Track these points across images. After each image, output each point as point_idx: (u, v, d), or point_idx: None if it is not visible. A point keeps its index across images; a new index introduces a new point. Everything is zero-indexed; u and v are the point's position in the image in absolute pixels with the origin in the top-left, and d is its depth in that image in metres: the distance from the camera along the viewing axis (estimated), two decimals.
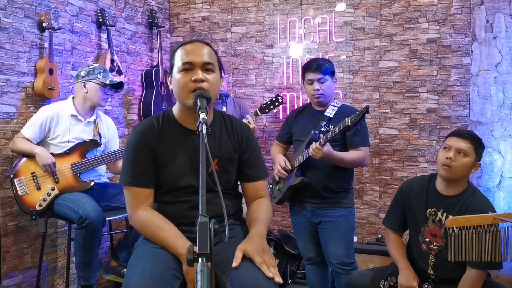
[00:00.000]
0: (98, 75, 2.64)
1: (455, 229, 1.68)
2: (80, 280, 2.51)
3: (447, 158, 1.91)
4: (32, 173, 2.51)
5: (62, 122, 2.61)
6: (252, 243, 1.48)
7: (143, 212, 1.57)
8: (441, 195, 2.01)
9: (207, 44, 1.62)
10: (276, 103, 3.00)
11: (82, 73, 2.65)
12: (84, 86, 2.63)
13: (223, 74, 3.11)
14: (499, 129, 3.03)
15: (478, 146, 1.95)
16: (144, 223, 1.56)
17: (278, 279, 1.39)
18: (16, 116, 2.72)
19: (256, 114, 2.99)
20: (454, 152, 1.92)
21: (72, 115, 2.64)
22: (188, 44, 1.59)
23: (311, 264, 2.63)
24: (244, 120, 2.93)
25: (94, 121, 2.75)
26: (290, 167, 2.52)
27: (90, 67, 2.67)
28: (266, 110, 3.00)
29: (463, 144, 1.92)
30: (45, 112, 2.59)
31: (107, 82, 2.64)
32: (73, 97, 2.71)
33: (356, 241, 3.23)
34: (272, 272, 1.40)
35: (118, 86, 2.78)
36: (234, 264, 1.41)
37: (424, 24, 3.20)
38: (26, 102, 2.78)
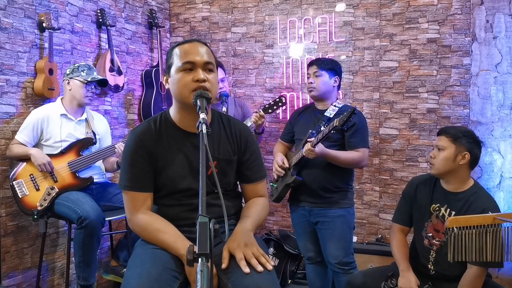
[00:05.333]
0: (82, 72, 2.66)
1: (455, 229, 1.68)
2: (79, 280, 2.52)
3: (430, 156, 2.06)
4: (30, 175, 2.52)
5: (52, 122, 2.62)
6: (235, 240, 1.47)
7: (141, 216, 1.56)
8: (446, 192, 2.04)
9: (205, 44, 1.61)
10: (280, 104, 2.99)
11: (68, 71, 2.69)
12: (68, 83, 2.66)
13: (225, 74, 3.12)
14: (499, 129, 3.03)
15: (456, 137, 1.98)
16: (143, 226, 1.56)
17: (260, 268, 1.39)
18: (16, 116, 2.72)
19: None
20: (435, 150, 2.04)
21: (62, 115, 2.66)
22: (186, 44, 1.58)
23: (311, 263, 2.63)
24: (252, 118, 2.91)
25: (86, 120, 2.76)
26: (287, 165, 2.53)
27: (75, 65, 2.70)
28: (270, 111, 2.99)
29: (438, 141, 2.04)
30: (35, 114, 2.61)
31: (89, 79, 2.65)
32: (61, 98, 2.73)
33: (356, 241, 3.23)
34: (253, 263, 1.39)
35: (102, 83, 2.78)
36: (223, 266, 1.42)
37: (424, 24, 3.20)
38: (26, 102, 2.78)
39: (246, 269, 1.38)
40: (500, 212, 1.93)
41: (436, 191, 2.08)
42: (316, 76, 2.51)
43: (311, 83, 2.52)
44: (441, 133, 2.04)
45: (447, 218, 1.96)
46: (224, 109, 2.91)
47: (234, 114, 3.12)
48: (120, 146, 2.65)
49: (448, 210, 2.01)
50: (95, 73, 2.72)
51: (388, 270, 2.13)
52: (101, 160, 2.78)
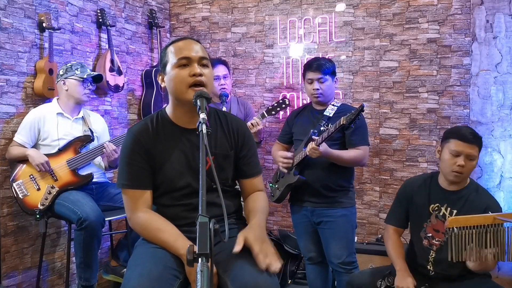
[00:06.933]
0: (76, 71, 2.66)
1: (455, 229, 1.68)
2: (80, 280, 2.52)
3: (458, 165, 1.92)
4: (30, 176, 2.53)
5: (49, 122, 2.62)
6: (254, 231, 1.48)
7: (142, 214, 1.57)
8: (445, 191, 2.04)
9: (198, 41, 1.64)
10: (283, 105, 2.98)
11: (61, 72, 2.68)
12: (64, 83, 2.66)
13: (229, 72, 3.13)
14: (499, 129, 3.03)
15: (481, 144, 1.98)
16: (143, 225, 1.56)
17: (273, 268, 1.39)
18: (16, 116, 2.72)
19: (263, 115, 2.96)
20: (463, 158, 1.93)
21: (58, 113, 2.66)
22: (180, 41, 1.60)
23: (312, 264, 2.63)
24: (252, 121, 2.91)
25: (82, 118, 2.76)
26: (291, 155, 2.53)
27: (68, 65, 2.70)
28: (273, 112, 2.98)
29: (472, 151, 1.93)
30: (32, 115, 2.62)
31: (85, 76, 2.66)
32: (57, 98, 2.73)
33: (356, 241, 3.22)
34: (268, 261, 1.40)
35: (97, 79, 2.78)
36: (237, 249, 1.40)
37: (424, 24, 3.20)
38: (26, 102, 2.78)
39: (263, 265, 1.39)
40: (501, 209, 1.94)
41: (433, 191, 2.07)
42: (321, 82, 2.49)
43: (317, 89, 2.48)
44: (472, 142, 1.94)
45: (448, 217, 1.97)
46: (224, 109, 2.90)
47: (237, 113, 3.12)
48: (109, 146, 2.63)
49: (449, 209, 2.00)
50: (88, 70, 2.73)
51: (388, 269, 2.13)
52: (100, 157, 2.78)
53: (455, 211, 1.98)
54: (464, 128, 2.09)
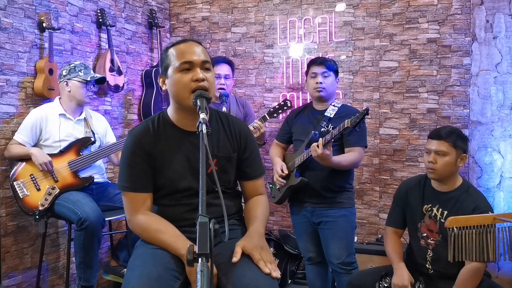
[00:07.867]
0: (79, 72, 2.65)
1: (455, 229, 1.68)
2: (80, 280, 2.52)
3: (429, 162, 2.01)
4: (30, 175, 2.52)
5: (51, 122, 2.62)
6: (251, 240, 1.49)
7: (141, 216, 1.56)
8: (436, 192, 2.07)
9: (199, 43, 1.62)
10: (285, 108, 2.96)
11: (64, 72, 2.66)
12: (67, 84, 2.65)
13: (232, 73, 3.11)
14: (499, 129, 3.03)
15: (456, 141, 2.00)
16: (143, 227, 1.56)
17: (275, 274, 1.41)
18: (16, 116, 2.72)
19: (264, 118, 2.93)
20: (433, 155, 2.01)
21: (60, 114, 2.66)
22: (181, 44, 1.59)
23: (312, 264, 2.63)
24: (254, 124, 2.89)
25: (85, 119, 2.76)
26: (287, 172, 2.52)
27: (71, 65, 2.68)
28: (275, 115, 2.96)
29: (439, 146, 2.00)
30: (34, 114, 2.61)
31: (88, 79, 2.65)
32: (59, 98, 2.72)
33: (356, 241, 3.22)
34: (269, 267, 1.41)
35: (101, 81, 2.78)
36: (234, 260, 1.42)
37: (424, 24, 3.20)
38: (26, 102, 2.78)
39: (266, 269, 1.40)
40: (491, 207, 1.98)
41: (426, 192, 2.11)
42: (325, 76, 2.50)
43: (321, 83, 2.50)
44: (440, 138, 2.01)
45: (439, 217, 2.02)
46: (224, 109, 2.90)
47: (236, 113, 3.11)
48: None
49: (440, 210, 2.03)
50: (91, 72, 2.72)
51: (387, 269, 2.14)
52: (102, 159, 2.78)
53: (446, 212, 2.01)
54: (443, 127, 2.14)
